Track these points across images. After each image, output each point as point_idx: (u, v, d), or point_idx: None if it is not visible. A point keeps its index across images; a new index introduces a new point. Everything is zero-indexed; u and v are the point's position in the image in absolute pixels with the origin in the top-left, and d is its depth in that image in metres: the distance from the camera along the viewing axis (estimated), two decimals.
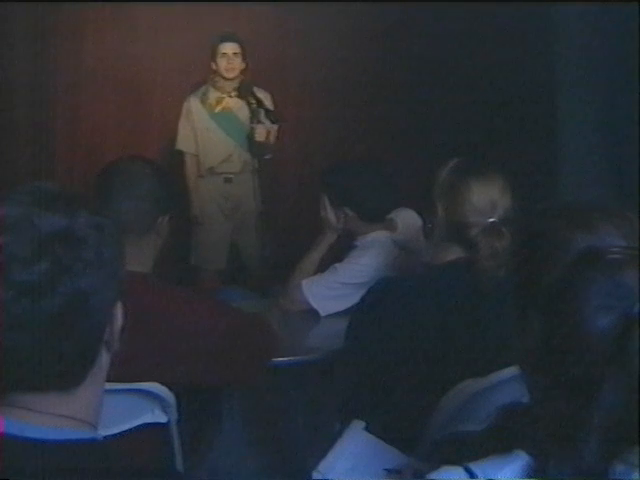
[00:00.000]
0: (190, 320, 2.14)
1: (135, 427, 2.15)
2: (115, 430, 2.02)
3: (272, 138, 4.73)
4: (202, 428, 2.40)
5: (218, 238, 4.90)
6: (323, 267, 3.11)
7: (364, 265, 3.00)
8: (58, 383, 1.11)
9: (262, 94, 4.61)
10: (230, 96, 4.78)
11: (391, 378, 2.16)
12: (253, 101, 4.48)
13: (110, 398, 1.24)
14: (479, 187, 2.18)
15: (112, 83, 5.40)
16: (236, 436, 2.80)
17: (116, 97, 5.45)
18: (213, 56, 4.75)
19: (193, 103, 4.86)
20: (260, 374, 2.33)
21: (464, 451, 1.20)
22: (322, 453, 2.10)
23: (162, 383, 2.13)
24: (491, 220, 2.14)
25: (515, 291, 1.29)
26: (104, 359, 1.16)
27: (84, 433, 1.13)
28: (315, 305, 3.01)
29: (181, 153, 4.90)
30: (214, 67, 4.76)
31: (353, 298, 2.57)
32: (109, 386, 1.21)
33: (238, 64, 4.74)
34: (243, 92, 4.59)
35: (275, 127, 4.66)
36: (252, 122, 4.51)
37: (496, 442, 1.16)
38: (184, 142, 4.88)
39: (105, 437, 1.21)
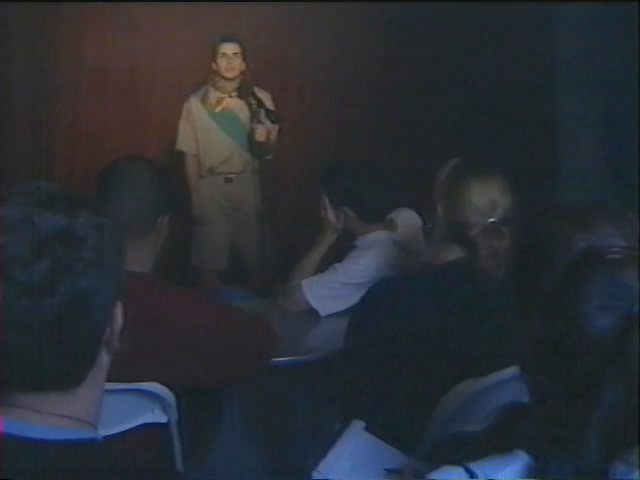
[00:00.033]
0: (190, 320, 2.14)
1: (135, 427, 2.14)
2: (115, 430, 2.01)
3: (273, 138, 4.73)
4: (202, 428, 2.40)
5: (219, 238, 4.90)
6: (323, 267, 3.11)
7: (364, 265, 3.00)
8: (58, 383, 1.11)
9: (262, 94, 4.61)
10: (230, 96, 4.78)
11: (391, 378, 2.16)
12: (253, 101, 4.48)
13: (110, 398, 1.23)
14: (479, 187, 2.17)
15: (112, 83, 5.40)
16: (236, 436, 2.80)
17: (116, 97, 5.45)
18: (213, 56, 4.75)
19: (193, 103, 4.86)
20: (260, 374, 2.33)
21: (464, 451, 1.20)
22: (322, 453, 2.10)
23: (162, 383, 2.13)
24: (491, 220, 2.14)
25: (515, 291, 1.29)
26: (104, 359, 1.16)
27: (84, 433, 1.13)
28: (315, 305, 3.01)
29: (182, 153, 4.90)
30: (214, 67, 4.77)
31: (353, 298, 2.57)
32: (109, 386, 1.21)
33: (238, 64, 4.74)
34: (243, 92, 4.60)
35: (275, 127, 4.66)
36: (252, 122, 4.51)
37: (496, 442, 1.16)
38: (185, 142, 4.88)
39: (105, 437, 1.20)
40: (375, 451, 2.07)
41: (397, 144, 5.30)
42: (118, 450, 1.16)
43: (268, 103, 4.61)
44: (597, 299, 1.10)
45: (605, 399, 1.07)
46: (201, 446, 2.39)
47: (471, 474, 1.12)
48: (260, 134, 4.55)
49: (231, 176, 4.83)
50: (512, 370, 1.76)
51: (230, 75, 4.74)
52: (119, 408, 2.01)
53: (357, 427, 2.12)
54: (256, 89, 4.58)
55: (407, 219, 3.12)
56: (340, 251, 3.16)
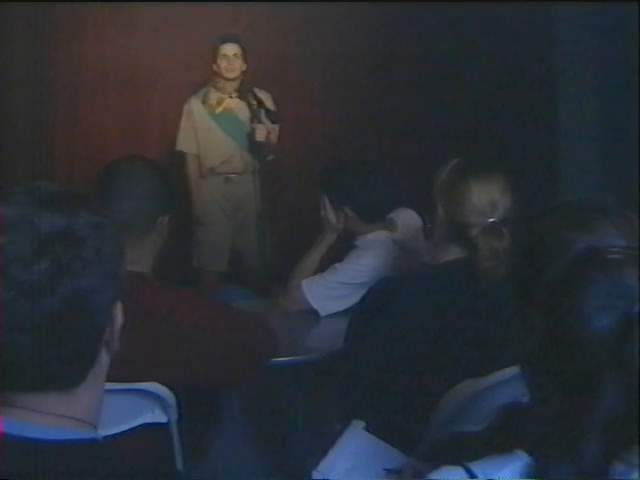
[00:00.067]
0: (190, 320, 2.14)
1: (135, 427, 2.15)
2: (115, 430, 2.01)
3: (273, 138, 4.73)
4: (202, 428, 2.40)
5: (219, 239, 4.91)
6: (323, 267, 3.11)
7: (364, 265, 3.00)
8: (58, 383, 1.11)
9: (263, 94, 4.61)
10: (231, 97, 4.78)
11: (391, 378, 2.16)
12: (254, 101, 4.48)
13: (110, 398, 1.24)
14: (479, 187, 2.18)
15: (112, 83, 5.40)
16: (236, 436, 2.80)
17: (116, 97, 5.45)
18: (214, 57, 4.76)
19: (194, 104, 4.87)
20: (260, 374, 2.33)
21: (464, 451, 1.20)
22: (322, 453, 2.10)
23: (162, 383, 2.13)
24: (491, 220, 2.14)
25: (515, 291, 1.29)
26: (104, 359, 1.16)
27: (84, 433, 1.13)
28: (315, 305, 3.01)
29: (182, 154, 4.90)
30: (215, 68, 4.78)
31: (353, 298, 2.57)
32: (109, 386, 1.21)
33: (239, 65, 4.75)
34: (244, 93, 4.60)
35: (276, 127, 4.66)
36: (252, 122, 4.51)
37: (496, 442, 1.16)
38: (185, 143, 4.89)
39: (105, 437, 1.20)
40: (375, 451, 2.07)
41: (397, 144, 5.30)
42: (118, 450, 1.16)
43: (268, 103, 4.61)
44: (597, 299, 1.10)
45: (605, 399, 1.07)
46: (201, 446, 2.39)
47: (471, 474, 1.12)
48: (260, 134, 4.55)
49: (232, 176, 4.83)
50: (512, 370, 1.76)
51: (230, 76, 4.74)
52: (119, 408, 2.01)
53: (357, 427, 2.12)
54: (256, 89, 4.58)
55: (407, 219, 3.12)
56: (340, 251, 3.16)
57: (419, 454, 2.02)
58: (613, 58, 4.09)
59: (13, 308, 1.06)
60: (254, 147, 4.57)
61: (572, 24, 4.31)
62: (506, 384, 1.95)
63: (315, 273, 3.09)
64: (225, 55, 4.74)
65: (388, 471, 1.95)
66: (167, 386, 2.14)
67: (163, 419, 2.19)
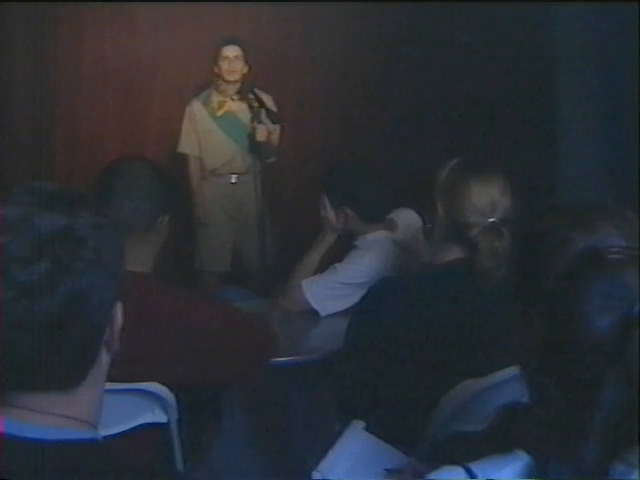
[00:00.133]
0: (190, 320, 2.14)
1: (135, 427, 2.15)
2: (115, 430, 2.02)
3: (275, 139, 4.74)
4: (202, 428, 2.40)
5: (221, 239, 4.91)
6: (323, 267, 3.11)
7: (364, 265, 3.00)
8: (58, 383, 1.11)
9: (264, 95, 4.62)
10: (232, 99, 4.79)
11: (391, 378, 2.16)
12: (254, 102, 4.49)
13: (110, 398, 1.24)
14: (479, 187, 2.18)
15: (112, 83, 5.40)
16: (236, 436, 2.80)
17: (116, 97, 5.45)
18: (215, 59, 4.77)
19: (196, 106, 4.88)
20: (260, 374, 2.33)
21: (464, 451, 1.20)
22: (322, 453, 2.10)
23: (162, 383, 2.13)
24: (491, 220, 2.15)
25: (515, 291, 1.29)
26: (104, 359, 1.16)
27: (84, 433, 1.13)
28: (315, 305, 3.01)
29: (184, 156, 4.91)
30: (216, 70, 4.78)
31: (353, 298, 2.57)
32: (109, 386, 1.21)
33: (240, 67, 4.76)
34: (245, 94, 4.60)
35: (277, 128, 4.67)
36: (253, 122, 4.52)
37: (496, 442, 1.16)
38: (187, 145, 4.90)
39: (105, 437, 1.20)
40: (375, 451, 2.07)
41: (397, 144, 5.30)
42: (118, 450, 1.16)
43: (270, 104, 4.62)
44: (597, 299, 1.10)
45: (605, 399, 1.07)
46: (201, 446, 2.40)
47: (471, 474, 1.12)
48: (261, 134, 4.55)
49: (233, 178, 4.84)
50: (512, 370, 1.76)
51: (232, 78, 4.75)
52: (119, 408, 2.01)
53: (357, 427, 2.13)
54: (257, 90, 4.59)
55: (407, 219, 3.12)
56: (340, 251, 3.16)
57: (419, 454, 2.02)
58: (613, 58, 4.09)
59: (13, 308, 1.06)
60: (255, 147, 4.58)
61: (572, 24, 4.31)
62: (506, 384, 1.95)
63: (315, 273, 3.09)
64: (226, 57, 4.75)
65: (388, 471, 1.95)
66: (167, 386, 2.14)
67: (163, 419, 2.19)
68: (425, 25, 5.17)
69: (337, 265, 3.06)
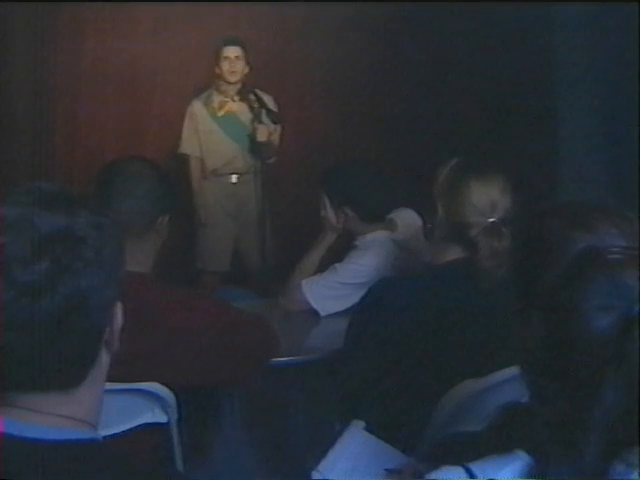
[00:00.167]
0: (190, 320, 2.14)
1: (135, 427, 2.14)
2: (115, 430, 2.02)
3: (275, 139, 4.74)
4: (202, 428, 2.40)
5: (222, 239, 4.92)
6: (323, 267, 3.11)
7: (364, 265, 3.00)
8: (58, 383, 1.11)
9: (265, 96, 4.63)
10: (233, 100, 4.79)
11: (391, 378, 2.16)
12: (255, 102, 4.49)
13: (110, 398, 1.24)
14: (479, 187, 2.18)
15: (112, 83, 5.41)
16: (236, 436, 2.80)
17: (116, 97, 5.45)
18: (216, 60, 4.77)
19: (196, 107, 4.89)
20: (259, 374, 2.33)
21: (464, 451, 1.20)
22: (322, 453, 2.10)
23: (162, 383, 2.13)
24: (491, 220, 2.15)
25: (515, 291, 1.29)
26: (104, 359, 1.16)
27: (84, 433, 1.13)
28: (315, 305, 3.01)
29: (185, 156, 4.92)
30: (217, 71, 4.79)
31: (353, 298, 2.57)
32: (109, 386, 1.21)
33: (241, 68, 4.76)
34: (245, 94, 4.61)
35: (277, 128, 4.67)
36: (254, 123, 4.52)
37: (496, 442, 1.16)
38: (188, 145, 4.91)
39: (105, 437, 1.20)
40: (375, 451, 2.07)
41: (397, 144, 5.30)
42: (118, 450, 1.16)
43: (270, 104, 4.63)
44: (597, 299, 1.10)
45: (605, 399, 1.07)
46: (201, 446, 2.39)
47: (471, 474, 1.12)
48: (261, 134, 4.56)
49: (234, 178, 4.85)
50: (512, 370, 1.76)
51: (233, 79, 4.76)
52: (119, 408, 2.01)
53: (357, 427, 2.13)
54: (258, 91, 4.59)
55: (407, 219, 3.12)
56: (340, 251, 3.16)
57: (419, 454, 2.02)
58: (613, 58, 4.09)
59: (13, 308, 1.06)
60: (256, 147, 4.58)
61: (572, 24, 4.31)
62: (506, 384, 1.95)
63: (315, 273, 3.09)
64: (227, 57, 4.75)
65: (388, 471, 1.95)
66: (167, 386, 2.14)
67: (163, 419, 2.19)
68: (425, 25, 5.17)
69: (337, 265, 3.06)
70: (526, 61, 4.78)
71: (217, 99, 4.85)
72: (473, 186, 2.17)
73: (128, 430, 2.10)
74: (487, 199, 2.16)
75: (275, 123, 4.56)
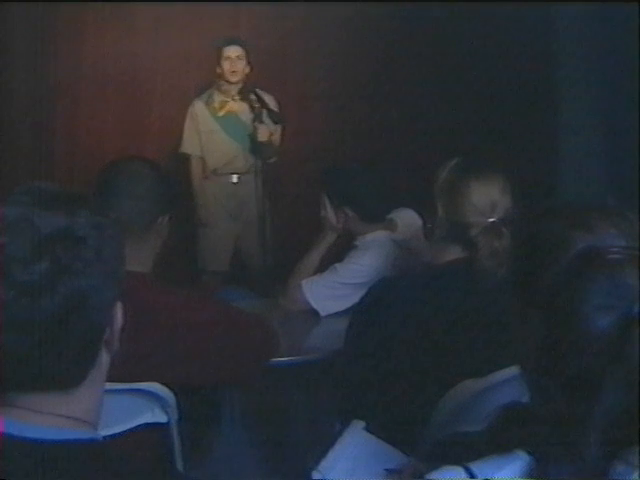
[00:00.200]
0: (190, 320, 2.14)
1: (135, 427, 2.14)
2: (115, 430, 2.01)
3: (276, 139, 4.75)
4: (202, 428, 2.40)
5: (222, 239, 4.92)
6: (323, 267, 3.11)
7: (364, 265, 3.00)
8: (58, 383, 1.11)
9: (266, 96, 4.63)
10: (234, 99, 4.79)
11: (391, 378, 2.16)
12: (256, 102, 4.49)
13: (110, 398, 1.24)
14: (479, 187, 2.18)
15: (112, 83, 5.41)
16: (236, 436, 2.80)
17: (116, 97, 5.45)
18: (218, 60, 4.78)
19: (198, 107, 4.89)
20: (259, 374, 2.33)
21: (464, 451, 1.20)
22: (322, 453, 2.10)
23: (162, 383, 2.13)
24: (491, 220, 2.15)
25: (515, 291, 1.29)
26: (104, 359, 1.16)
27: (84, 433, 1.13)
28: (315, 305, 3.01)
29: (186, 156, 4.92)
30: (219, 71, 4.79)
31: (353, 298, 2.57)
32: (109, 386, 1.21)
33: (241, 67, 4.77)
34: (246, 94, 4.61)
35: (278, 128, 4.67)
36: (255, 123, 4.52)
37: (496, 442, 1.16)
38: (189, 145, 4.91)
39: (105, 437, 1.20)
40: (375, 451, 2.07)
41: (397, 144, 5.30)
42: (118, 450, 1.16)
43: (272, 104, 4.63)
44: (597, 299, 1.10)
45: (605, 399, 1.07)
46: (201, 446, 2.39)
47: (471, 474, 1.12)
48: (262, 134, 4.56)
49: (235, 177, 4.85)
50: (512, 370, 1.76)
51: (233, 79, 4.76)
52: (119, 408, 2.01)
53: (357, 427, 2.12)
54: (259, 91, 4.59)
55: (407, 219, 3.12)
56: (340, 251, 3.16)
57: (419, 454, 2.02)
58: (613, 58, 4.09)
59: (13, 308, 1.06)
60: (256, 147, 4.58)
61: (572, 24, 4.31)
62: (506, 384, 1.95)
63: (315, 273, 3.09)
64: (228, 57, 4.76)
65: (388, 471, 1.95)
66: (167, 386, 2.14)
67: (163, 419, 2.19)
68: (425, 25, 5.17)
69: (337, 265, 3.06)
70: (526, 61, 4.78)
71: (218, 99, 4.86)
72: (473, 186, 2.17)
73: (128, 430, 2.10)
74: (487, 199, 2.16)
75: (276, 123, 4.56)
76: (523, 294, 1.26)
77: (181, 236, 4.46)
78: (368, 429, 2.12)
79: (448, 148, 3.60)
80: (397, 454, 2.05)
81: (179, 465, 2.20)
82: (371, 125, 5.40)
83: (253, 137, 4.59)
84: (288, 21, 5.36)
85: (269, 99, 4.66)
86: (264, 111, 4.48)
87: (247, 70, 4.78)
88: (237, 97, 4.77)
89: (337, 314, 2.93)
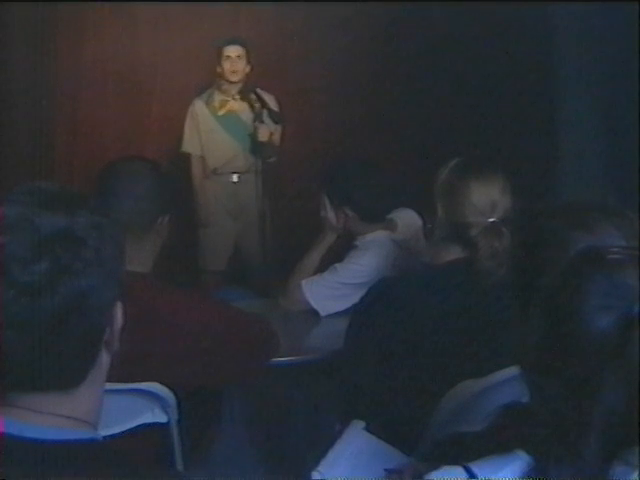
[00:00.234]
0: (190, 320, 2.14)
1: (135, 427, 2.14)
2: (115, 430, 2.01)
3: (276, 139, 4.74)
4: (202, 428, 2.40)
5: (223, 239, 4.92)
6: (323, 267, 3.11)
7: (364, 265, 3.00)
8: (58, 383, 1.11)
9: (266, 96, 4.63)
10: (234, 99, 4.79)
11: (391, 378, 2.16)
12: (256, 102, 4.49)
13: (110, 398, 1.24)
14: (479, 187, 2.18)
15: (112, 83, 5.40)
16: (236, 436, 2.80)
17: (116, 97, 5.45)
18: (218, 59, 4.78)
19: (198, 106, 4.90)
20: (260, 374, 2.33)
21: (464, 451, 1.20)
22: (322, 453, 2.10)
23: (162, 383, 2.13)
24: (491, 220, 2.15)
25: (515, 291, 1.29)
26: (104, 359, 1.16)
27: (84, 433, 1.13)
28: (315, 305, 3.01)
29: (186, 155, 4.92)
30: (219, 70, 4.79)
31: (353, 298, 2.57)
32: (109, 386, 1.21)
33: (242, 67, 4.77)
34: (246, 94, 4.61)
35: (278, 128, 4.67)
36: (255, 122, 4.52)
37: (496, 442, 1.16)
38: (190, 144, 4.91)
39: (105, 437, 1.20)
40: (375, 451, 2.07)
41: (397, 144, 5.30)
42: (118, 450, 1.16)
43: (272, 104, 4.63)
44: (597, 299, 1.10)
45: (605, 399, 1.06)
46: (201, 446, 2.39)
47: (471, 474, 1.12)
48: (263, 134, 4.56)
49: (235, 177, 4.85)
50: (512, 370, 1.76)
51: (234, 79, 4.76)
52: (119, 408, 2.01)
53: (357, 427, 2.13)
54: (259, 91, 4.59)
55: (407, 219, 3.12)
56: (340, 251, 3.16)
57: (419, 454, 2.02)
58: (613, 58, 4.09)
59: (13, 308, 1.06)
60: (257, 147, 4.58)
61: (572, 24, 4.31)
62: (506, 384, 1.95)
63: (315, 273, 3.09)
64: (228, 56, 4.76)
65: (388, 471, 1.95)
66: (167, 386, 2.14)
67: (163, 419, 2.19)
68: (425, 25, 5.17)
69: (337, 265, 3.06)
70: (526, 61, 4.78)
71: (218, 98, 4.86)
72: (473, 186, 2.17)
73: (128, 430, 2.10)
74: (487, 199, 2.16)
75: (276, 123, 4.56)
76: (523, 294, 1.26)
77: (181, 236, 4.45)
78: (368, 429, 2.12)
79: (448, 148, 3.60)
80: (397, 454, 2.05)
81: (179, 465, 2.20)
82: (371, 125, 5.40)
83: (253, 137, 4.59)
84: (288, 21, 5.36)
85: (269, 98, 4.66)
86: (264, 111, 4.48)
87: (247, 70, 4.78)
88: (237, 96, 4.77)
89: (337, 314, 2.93)
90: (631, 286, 1.10)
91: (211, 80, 4.92)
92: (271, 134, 4.64)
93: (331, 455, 2.08)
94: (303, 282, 3.04)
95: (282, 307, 3.08)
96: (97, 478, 1.09)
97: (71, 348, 1.10)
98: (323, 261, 3.14)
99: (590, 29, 4.19)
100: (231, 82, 4.77)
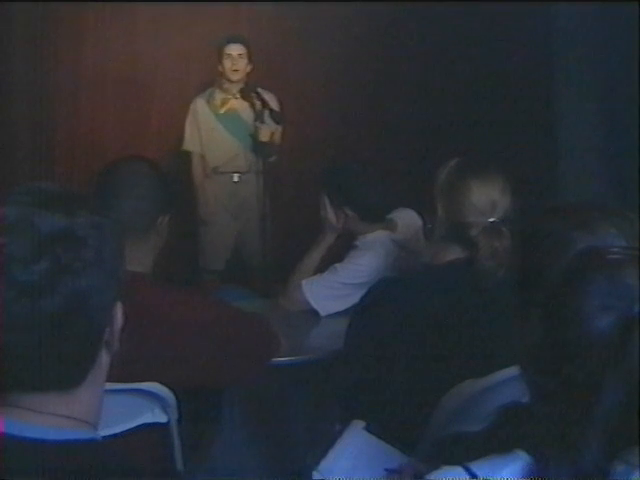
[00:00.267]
0: (190, 320, 2.14)
1: (135, 427, 2.14)
2: (115, 430, 2.01)
3: (277, 139, 4.74)
4: (202, 428, 2.39)
5: (223, 238, 4.92)
6: (323, 267, 3.11)
7: (364, 265, 3.00)
8: (58, 383, 1.11)
9: (267, 95, 4.62)
10: (235, 97, 4.79)
11: (391, 378, 2.16)
12: (258, 102, 4.49)
13: (110, 398, 1.23)
14: (479, 187, 2.18)
15: (112, 83, 5.41)
16: (236, 436, 2.80)
17: (116, 97, 5.45)
18: (219, 58, 4.78)
19: (199, 104, 4.89)
20: (260, 374, 2.33)
21: (464, 451, 1.20)
22: (322, 453, 2.10)
23: (162, 383, 2.13)
24: (491, 220, 2.15)
25: (515, 291, 1.29)
26: (104, 359, 1.16)
27: (84, 433, 1.13)
28: (315, 305, 3.01)
29: (188, 153, 4.92)
30: (220, 69, 4.79)
31: (353, 298, 2.57)
32: (109, 386, 1.21)
33: (243, 66, 4.76)
34: (247, 93, 4.61)
35: (279, 128, 4.67)
36: (256, 122, 4.52)
37: (496, 442, 1.16)
38: (191, 142, 4.91)
39: (105, 437, 1.20)
40: (375, 451, 2.07)
41: (397, 144, 5.30)
42: (118, 450, 1.16)
43: (273, 104, 4.62)
44: (597, 299, 1.10)
45: (605, 399, 1.06)
46: (201, 446, 2.39)
47: (471, 474, 1.12)
48: (264, 134, 4.55)
49: (235, 176, 4.85)
50: (512, 370, 1.76)
51: (235, 78, 4.75)
52: (119, 408, 2.00)
53: (357, 427, 2.13)
54: (260, 90, 4.59)
55: (407, 219, 3.12)
56: (340, 251, 3.16)
57: (419, 454, 2.02)
58: (613, 58, 4.09)
59: (13, 308, 1.06)
60: (258, 147, 4.58)
61: (572, 24, 4.31)
62: (506, 384, 1.95)
63: (315, 273, 3.09)
64: (229, 55, 4.75)
65: (388, 471, 1.95)
66: (167, 386, 2.14)
67: (163, 419, 2.19)
68: (425, 24, 5.17)
69: (337, 265, 3.06)
70: (526, 61, 4.78)
71: (219, 96, 4.85)
72: (473, 186, 2.17)
73: (128, 430, 2.10)
74: (487, 199, 2.16)
75: (277, 123, 4.55)
76: (523, 294, 1.26)
77: (181, 235, 4.45)
78: (368, 429, 2.12)
79: (448, 148, 3.60)
80: (397, 454, 2.05)
81: (179, 465, 2.20)
82: (371, 125, 5.40)
83: (255, 137, 4.59)
84: (288, 21, 5.36)
85: (270, 98, 4.65)
86: (266, 111, 4.48)
87: (249, 68, 4.78)
88: (238, 95, 4.76)
89: (337, 314, 2.93)
90: (631, 286, 1.10)
91: (211, 80, 4.92)
92: (272, 134, 4.64)
93: (331, 455, 2.08)
94: (303, 282, 3.04)
95: (282, 307, 3.08)
96: (97, 478, 1.09)
97: (71, 348, 1.10)
98: (323, 261, 3.14)
99: (590, 29, 4.19)
100: (232, 81, 4.77)
